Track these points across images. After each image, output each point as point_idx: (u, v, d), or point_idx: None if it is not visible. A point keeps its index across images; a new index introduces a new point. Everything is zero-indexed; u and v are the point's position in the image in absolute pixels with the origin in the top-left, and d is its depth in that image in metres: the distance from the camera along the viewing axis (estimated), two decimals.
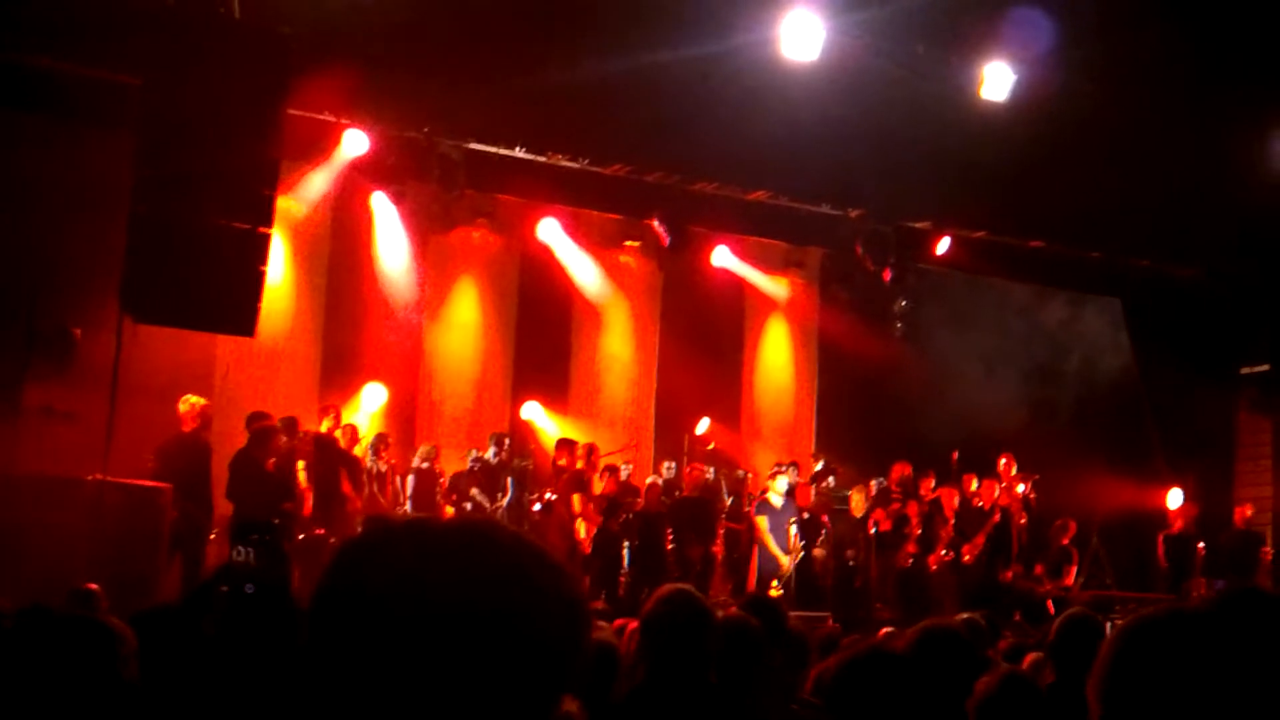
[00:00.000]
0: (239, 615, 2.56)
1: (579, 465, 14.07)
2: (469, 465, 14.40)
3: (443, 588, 1.31)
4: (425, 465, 14.10)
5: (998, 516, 14.23)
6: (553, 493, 13.92)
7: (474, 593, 1.32)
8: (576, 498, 13.64)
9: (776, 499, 14.10)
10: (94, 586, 7.45)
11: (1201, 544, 14.29)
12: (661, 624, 3.95)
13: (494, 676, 1.30)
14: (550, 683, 1.34)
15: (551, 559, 1.40)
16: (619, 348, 16.85)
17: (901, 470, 15.33)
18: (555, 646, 1.35)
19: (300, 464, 12.67)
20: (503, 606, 1.32)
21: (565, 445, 14.53)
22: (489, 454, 14.51)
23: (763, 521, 13.96)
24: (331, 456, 12.93)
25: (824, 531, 14.54)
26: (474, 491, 14.13)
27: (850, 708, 3.40)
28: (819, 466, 15.35)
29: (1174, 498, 16.09)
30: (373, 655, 1.30)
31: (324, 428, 13.18)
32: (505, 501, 14.28)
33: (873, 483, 15.42)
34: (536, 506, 14.12)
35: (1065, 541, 14.77)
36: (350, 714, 1.29)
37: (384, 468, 13.85)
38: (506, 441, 14.71)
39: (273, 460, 11.97)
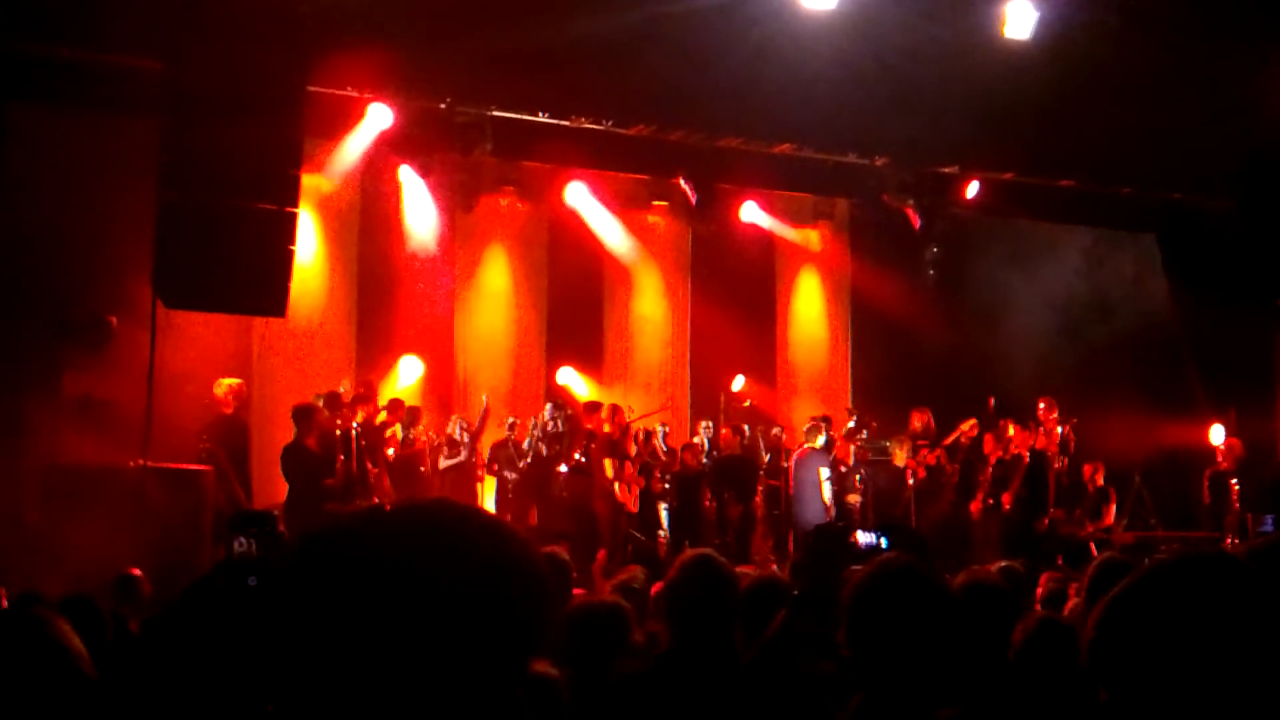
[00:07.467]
0: (242, 609, 2.59)
1: (606, 429, 13.96)
2: (506, 434, 14.41)
3: (394, 569, 1.35)
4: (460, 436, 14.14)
5: (1027, 460, 14.07)
6: (582, 455, 13.81)
7: (424, 571, 1.36)
8: (608, 462, 13.60)
9: (819, 449, 14.02)
10: (136, 571, 7.55)
11: (1234, 480, 14.06)
12: (684, 591, 3.98)
13: (451, 652, 1.34)
14: (510, 653, 1.38)
15: (508, 533, 1.44)
16: (651, 309, 16.84)
17: (920, 418, 15.15)
18: (513, 618, 1.38)
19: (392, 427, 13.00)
20: (456, 582, 1.36)
21: (593, 409, 14.28)
22: (551, 422, 14.49)
23: (824, 471, 13.84)
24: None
25: (862, 481, 14.50)
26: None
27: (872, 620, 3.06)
28: (851, 424, 15.22)
29: (1216, 434, 15.85)
30: (329, 638, 1.34)
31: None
32: (523, 465, 14.27)
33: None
34: (562, 468, 14.02)
35: (1100, 482, 14.71)
36: (321, 695, 1.34)
37: (421, 442, 13.85)
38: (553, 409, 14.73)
39: (313, 438, 12.00)
